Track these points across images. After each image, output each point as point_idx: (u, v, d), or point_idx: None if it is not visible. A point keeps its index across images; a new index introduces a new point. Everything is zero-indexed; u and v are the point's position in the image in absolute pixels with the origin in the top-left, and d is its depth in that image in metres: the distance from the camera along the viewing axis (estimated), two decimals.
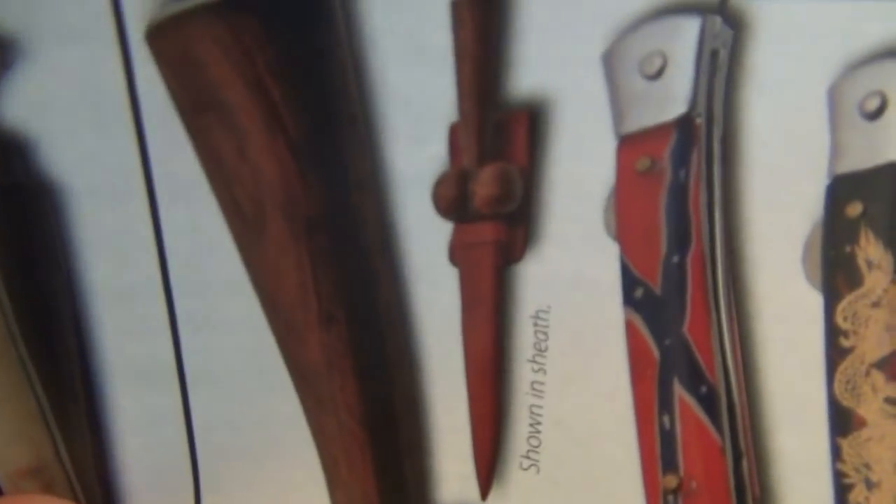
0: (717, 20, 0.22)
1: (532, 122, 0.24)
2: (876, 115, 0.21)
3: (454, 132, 0.24)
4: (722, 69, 0.22)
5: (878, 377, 0.22)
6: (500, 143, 0.24)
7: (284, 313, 0.26)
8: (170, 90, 0.25)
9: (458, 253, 0.25)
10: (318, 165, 0.25)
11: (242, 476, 0.27)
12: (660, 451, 0.24)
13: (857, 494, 0.22)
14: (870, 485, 0.22)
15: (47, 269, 0.27)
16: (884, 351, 0.22)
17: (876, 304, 0.22)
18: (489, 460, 0.25)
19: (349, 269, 0.25)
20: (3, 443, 0.26)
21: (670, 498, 0.24)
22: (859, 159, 0.22)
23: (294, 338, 0.26)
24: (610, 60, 0.23)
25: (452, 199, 0.25)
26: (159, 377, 0.27)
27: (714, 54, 0.22)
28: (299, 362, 0.26)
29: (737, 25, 0.22)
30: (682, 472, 0.23)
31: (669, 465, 0.24)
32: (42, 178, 0.26)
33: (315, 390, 0.26)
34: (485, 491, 0.25)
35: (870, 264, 0.22)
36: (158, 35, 0.24)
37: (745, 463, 0.23)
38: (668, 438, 0.24)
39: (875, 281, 0.22)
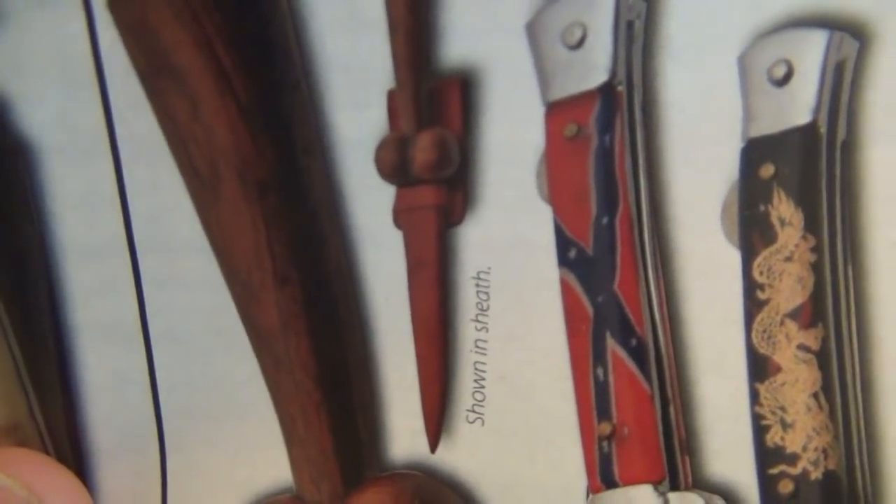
0: None
1: (465, 89, 0.25)
2: (783, 81, 0.22)
3: (392, 98, 0.25)
4: (638, 39, 0.23)
5: (792, 326, 0.23)
6: (435, 109, 0.25)
7: (241, 274, 0.27)
8: (129, 53, 0.26)
9: (401, 216, 0.26)
10: (268, 128, 0.26)
11: (204, 435, 0.28)
12: (595, 401, 0.25)
13: (774, 434, 0.24)
14: (785, 425, 0.24)
15: (21, 227, 0.28)
16: (796, 302, 0.23)
17: (788, 259, 0.23)
18: (437, 415, 0.27)
19: (301, 230, 0.26)
20: None
21: (605, 444, 0.25)
22: (770, 123, 0.23)
23: (250, 298, 0.27)
24: (533, 30, 0.24)
25: (393, 163, 0.26)
26: (124, 336, 0.28)
27: (630, 25, 0.23)
28: (256, 323, 0.27)
29: None
30: (615, 420, 0.25)
31: (604, 413, 0.25)
32: (15, 137, 0.27)
33: (271, 350, 0.27)
34: (434, 444, 0.27)
35: (782, 222, 0.23)
36: (118, 1, 0.25)
37: (672, 409, 0.25)
38: (602, 389, 0.25)
39: (787, 237, 0.23)
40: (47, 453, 0.29)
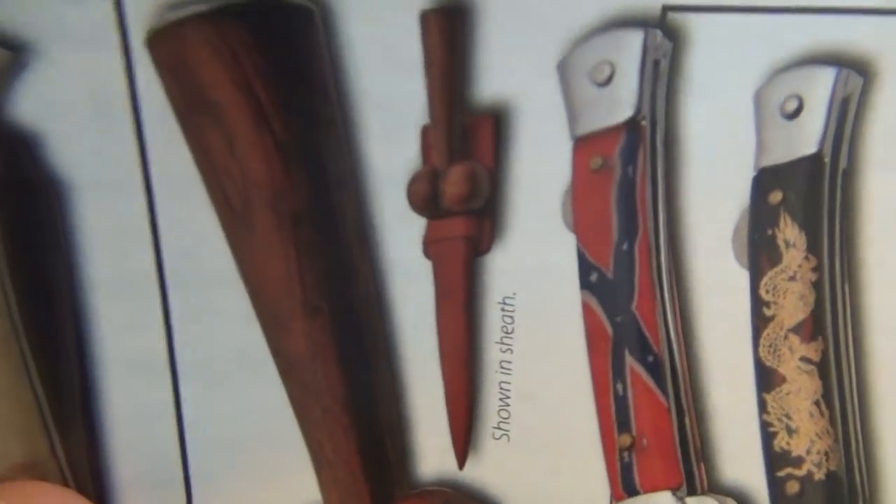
0: (658, 33, 0.25)
1: (497, 125, 0.26)
2: (794, 115, 0.25)
3: (426, 133, 0.27)
4: (663, 77, 0.25)
5: (795, 340, 0.25)
6: (467, 144, 0.27)
7: (271, 304, 0.27)
8: (167, 91, 0.27)
9: (431, 247, 0.27)
10: (302, 163, 0.26)
11: (231, 464, 0.28)
12: (615, 415, 0.26)
13: (781, 440, 0.26)
14: (790, 431, 0.25)
15: (50, 262, 0.28)
16: (798, 317, 0.25)
17: (792, 278, 0.25)
18: (464, 433, 0.28)
19: (332, 261, 0.27)
20: (1, 438, 0.27)
21: (625, 454, 0.26)
22: (780, 154, 0.25)
23: (280, 328, 0.27)
24: (564, 69, 0.26)
25: (425, 196, 0.27)
26: (152, 370, 0.28)
27: (656, 63, 0.25)
28: (285, 352, 0.28)
29: (675, 38, 0.25)
30: (634, 432, 0.26)
31: (623, 426, 0.26)
32: (48, 173, 0.27)
33: (300, 378, 0.28)
34: (462, 461, 0.28)
35: (787, 244, 0.25)
36: (157, 41, 0.26)
37: (687, 420, 0.26)
38: (621, 403, 0.26)
39: (791, 258, 0.25)
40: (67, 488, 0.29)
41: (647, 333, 0.26)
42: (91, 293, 0.28)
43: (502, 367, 0.27)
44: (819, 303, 0.25)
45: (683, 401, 0.26)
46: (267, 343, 0.28)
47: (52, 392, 0.28)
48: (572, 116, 0.26)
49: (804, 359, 0.25)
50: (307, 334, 0.27)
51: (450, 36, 0.26)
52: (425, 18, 0.26)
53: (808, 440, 0.25)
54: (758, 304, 0.26)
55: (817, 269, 0.25)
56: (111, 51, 0.26)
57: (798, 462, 0.26)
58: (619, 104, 0.25)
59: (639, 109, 0.25)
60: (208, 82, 0.26)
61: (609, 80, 0.25)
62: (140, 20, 0.26)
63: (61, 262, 0.28)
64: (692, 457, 0.26)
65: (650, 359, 0.26)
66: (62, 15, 0.26)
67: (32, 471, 0.28)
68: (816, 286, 0.25)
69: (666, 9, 0.24)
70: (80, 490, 0.29)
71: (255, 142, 0.26)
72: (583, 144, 0.26)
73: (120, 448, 0.28)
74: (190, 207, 0.27)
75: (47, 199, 0.27)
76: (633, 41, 0.25)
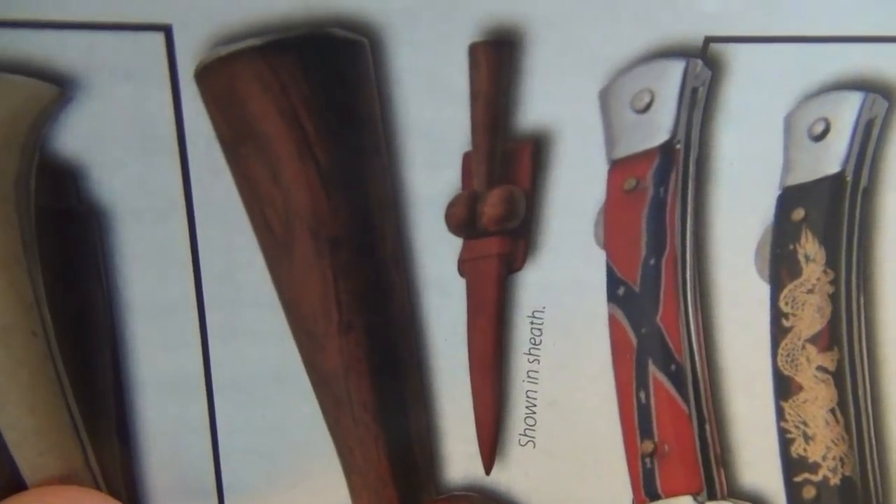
0: (699, 63, 0.25)
1: (536, 150, 0.26)
2: (820, 137, 0.25)
3: (467, 159, 0.27)
4: (700, 103, 0.26)
5: (812, 350, 0.26)
6: (507, 168, 0.27)
7: (307, 323, 0.27)
8: (214, 123, 0.26)
9: (466, 265, 0.28)
10: (344, 190, 0.27)
11: (263, 474, 0.28)
12: (638, 422, 0.27)
13: (798, 446, 0.26)
14: (807, 438, 0.26)
15: (89, 288, 0.27)
16: (815, 329, 0.26)
17: (810, 291, 0.26)
18: (491, 440, 0.28)
19: (368, 281, 0.27)
20: (35, 454, 0.27)
21: (647, 461, 0.27)
22: (805, 173, 0.26)
23: (315, 345, 0.27)
24: (606, 97, 0.26)
25: (463, 218, 0.27)
26: (187, 387, 0.28)
27: (694, 91, 0.26)
28: (319, 367, 0.28)
29: (714, 66, 0.26)
30: (656, 439, 0.27)
31: (646, 433, 0.27)
32: (92, 202, 0.27)
33: (332, 391, 0.28)
34: (489, 467, 0.28)
35: (807, 258, 0.26)
36: (207, 74, 0.26)
37: (708, 427, 0.27)
38: (644, 411, 0.27)
39: (811, 272, 0.26)
40: None
41: (671, 344, 0.27)
42: (129, 315, 0.27)
43: (529, 377, 0.28)
44: (835, 314, 0.26)
45: (704, 408, 0.27)
46: (302, 359, 0.28)
47: (88, 409, 0.28)
48: (610, 141, 0.26)
49: (820, 368, 0.26)
50: (341, 350, 0.27)
51: (497, 68, 0.26)
52: (474, 50, 0.26)
53: (824, 446, 0.26)
54: (777, 315, 0.26)
55: (834, 282, 0.26)
56: (159, 83, 0.26)
57: (814, 468, 0.26)
58: (656, 129, 0.26)
59: (674, 134, 0.26)
60: (256, 114, 0.26)
61: (648, 106, 0.25)
62: (189, 53, 0.26)
63: (99, 286, 0.28)
64: (712, 462, 0.27)
65: (673, 368, 0.27)
66: (114, 49, 0.25)
67: (67, 482, 0.28)
68: (833, 298, 0.26)
69: (708, 40, 0.25)
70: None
71: (298, 171, 0.26)
72: (618, 167, 0.26)
73: (154, 462, 0.28)
74: (230, 233, 0.27)
75: (88, 228, 0.27)
76: (674, 70, 0.25)
